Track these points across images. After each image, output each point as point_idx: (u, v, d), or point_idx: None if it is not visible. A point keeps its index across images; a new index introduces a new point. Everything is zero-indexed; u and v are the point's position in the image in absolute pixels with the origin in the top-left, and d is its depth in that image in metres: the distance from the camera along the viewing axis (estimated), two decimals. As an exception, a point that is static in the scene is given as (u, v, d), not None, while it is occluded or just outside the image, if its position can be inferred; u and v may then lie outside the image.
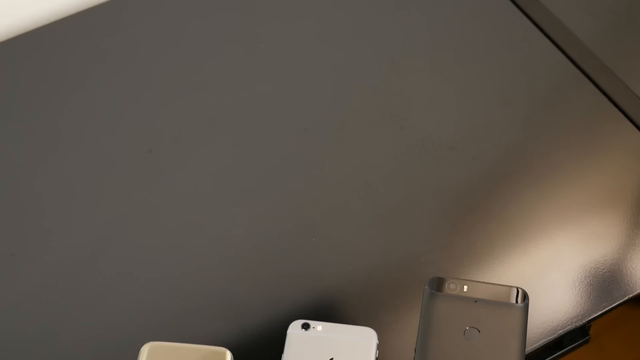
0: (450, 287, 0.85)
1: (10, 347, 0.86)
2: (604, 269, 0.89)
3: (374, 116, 1.02)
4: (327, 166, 0.98)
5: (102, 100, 1.04)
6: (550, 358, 0.93)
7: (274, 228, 0.93)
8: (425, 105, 1.03)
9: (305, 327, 0.83)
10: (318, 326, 0.83)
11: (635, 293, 0.88)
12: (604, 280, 0.89)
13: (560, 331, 0.86)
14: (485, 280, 0.88)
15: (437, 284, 0.85)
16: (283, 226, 0.93)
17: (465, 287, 0.84)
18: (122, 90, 1.05)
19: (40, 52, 1.10)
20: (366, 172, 0.97)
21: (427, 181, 0.96)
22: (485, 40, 1.09)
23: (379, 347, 0.83)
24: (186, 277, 0.90)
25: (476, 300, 0.84)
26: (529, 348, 0.84)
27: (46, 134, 1.01)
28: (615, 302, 0.88)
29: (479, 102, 1.03)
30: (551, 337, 0.86)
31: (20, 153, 1.00)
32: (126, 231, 0.93)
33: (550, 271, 0.89)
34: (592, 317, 0.87)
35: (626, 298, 0.88)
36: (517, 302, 0.83)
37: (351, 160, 0.98)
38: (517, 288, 0.84)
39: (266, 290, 0.89)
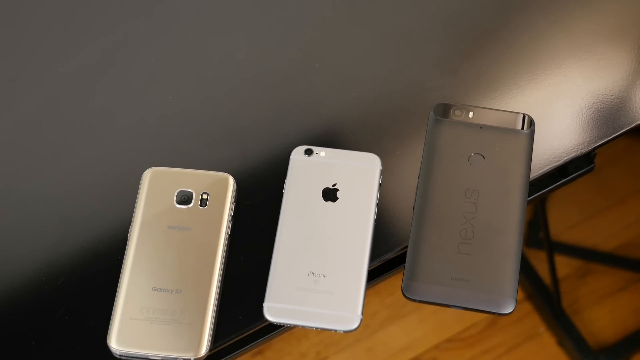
0: (455, 113, 0.84)
1: (8, 174, 0.86)
2: (612, 95, 0.88)
3: (379, -63, 0.98)
4: (330, -10, 0.95)
5: None
6: (554, 185, 0.94)
7: (276, 53, 0.91)
8: None
9: (309, 152, 0.83)
10: (321, 152, 0.83)
11: (642, 120, 0.87)
12: (612, 107, 0.88)
13: (566, 158, 0.86)
14: (491, 107, 0.87)
15: (442, 111, 0.84)
16: (285, 51, 0.91)
17: (471, 114, 0.84)
18: None
19: None
20: (371, -4, 0.94)
21: (433, 5, 0.94)
22: None
23: (382, 173, 0.83)
24: (187, 102, 0.89)
25: (481, 127, 0.83)
26: (534, 174, 0.84)
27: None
28: (621, 130, 0.87)
29: None
30: (556, 164, 0.85)
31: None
32: (125, 56, 0.92)
33: (558, 98, 0.88)
34: (597, 144, 0.86)
35: (633, 125, 0.87)
36: (522, 128, 0.83)
37: (356, -17, 0.95)
38: (523, 114, 0.83)
39: (269, 116, 0.88)
